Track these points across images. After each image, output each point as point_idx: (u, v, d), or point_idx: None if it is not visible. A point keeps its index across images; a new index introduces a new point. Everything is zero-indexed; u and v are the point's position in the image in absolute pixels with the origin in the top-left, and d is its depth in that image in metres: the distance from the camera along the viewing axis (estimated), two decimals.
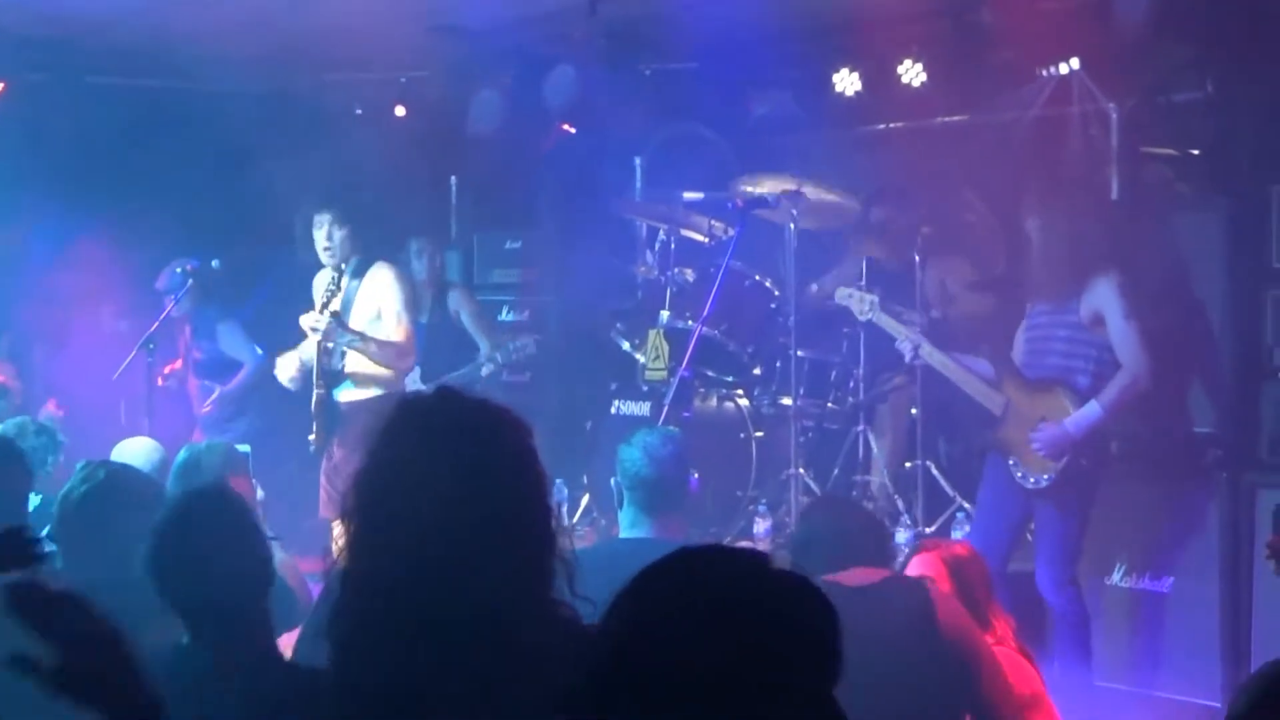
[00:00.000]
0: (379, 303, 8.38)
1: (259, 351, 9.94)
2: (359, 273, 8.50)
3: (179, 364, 10.20)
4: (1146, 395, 7.12)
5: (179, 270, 9.56)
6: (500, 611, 2.85)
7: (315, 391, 8.47)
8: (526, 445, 3.03)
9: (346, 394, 8.43)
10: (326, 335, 8.33)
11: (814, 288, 9.39)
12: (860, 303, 8.04)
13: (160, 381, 9.94)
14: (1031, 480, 7.13)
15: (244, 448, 7.00)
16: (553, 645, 2.80)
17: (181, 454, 6.01)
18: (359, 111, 11.29)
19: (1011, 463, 7.20)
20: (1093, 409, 7.01)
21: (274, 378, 8.92)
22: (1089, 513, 7.19)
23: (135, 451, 6.73)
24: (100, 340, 10.12)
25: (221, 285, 10.08)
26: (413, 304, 8.37)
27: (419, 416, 3.03)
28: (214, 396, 10.05)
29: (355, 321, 8.40)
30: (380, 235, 9.03)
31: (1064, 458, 7.03)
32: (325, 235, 8.48)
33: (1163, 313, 7.52)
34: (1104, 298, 7.09)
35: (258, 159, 9.95)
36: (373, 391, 8.39)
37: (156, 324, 9.13)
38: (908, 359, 7.80)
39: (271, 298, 10.31)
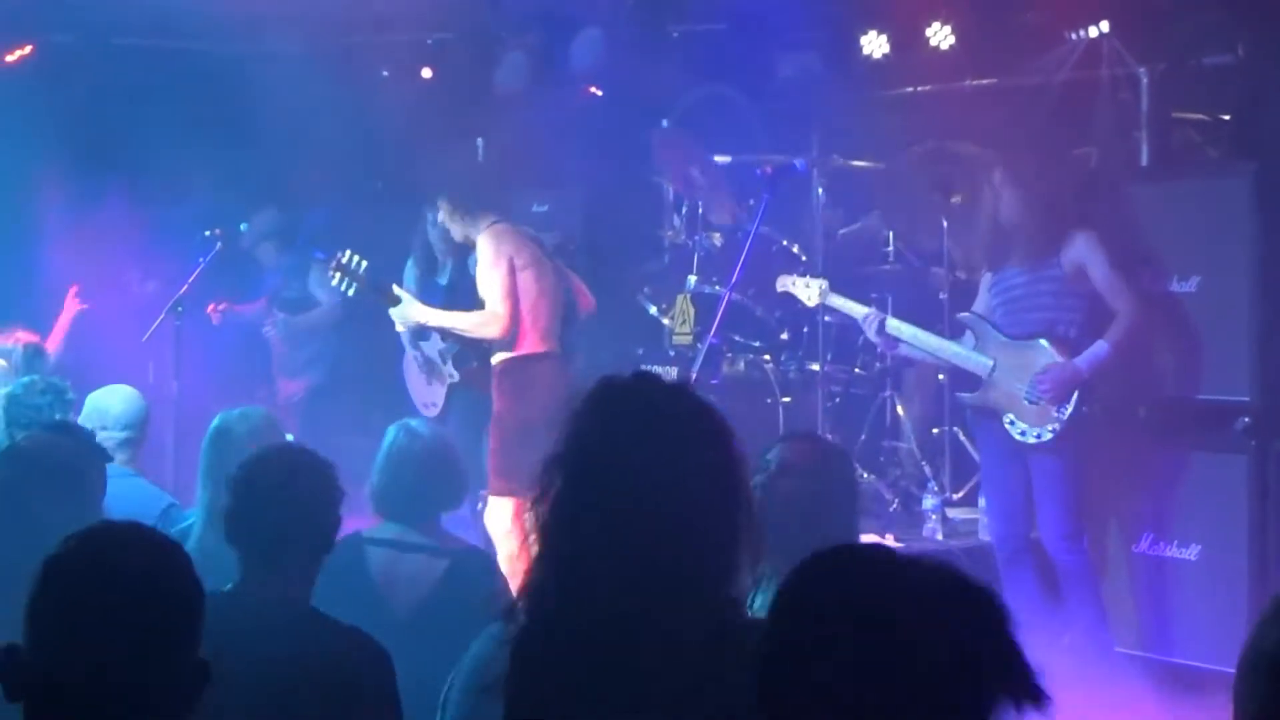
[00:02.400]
0: (478, 273, 8.22)
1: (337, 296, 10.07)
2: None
3: (246, 307, 10.39)
4: (1143, 338, 7.17)
5: (207, 234, 9.58)
6: (691, 601, 2.84)
7: (450, 374, 8.47)
8: (725, 430, 3.01)
9: (495, 357, 8.20)
10: (404, 323, 8.33)
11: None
12: (806, 289, 8.02)
13: (212, 311, 10.10)
14: (1034, 435, 7.14)
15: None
16: (727, 641, 2.78)
17: (216, 421, 6.01)
18: (386, 74, 11.28)
19: (1009, 421, 7.20)
20: (1101, 347, 7.09)
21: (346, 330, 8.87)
22: (1086, 469, 7.20)
23: (110, 399, 6.73)
24: (128, 302, 10.15)
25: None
26: (495, 262, 8.03)
27: (618, 400, 3.02)
28: (272, 321, 10.19)
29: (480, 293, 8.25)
30: (408, 199, 9.04)
31: (1066, 406, 7.04)
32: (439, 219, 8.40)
33: (1190, 278, 7.51)
34: (1084, 251, 7.18)
35: (284, 122, 9.95)
36: (506, 354, 8.14)
37: (185, 286, 9.14)
38: (872, 336, 7.74)
39: (303, 258, 10.34)
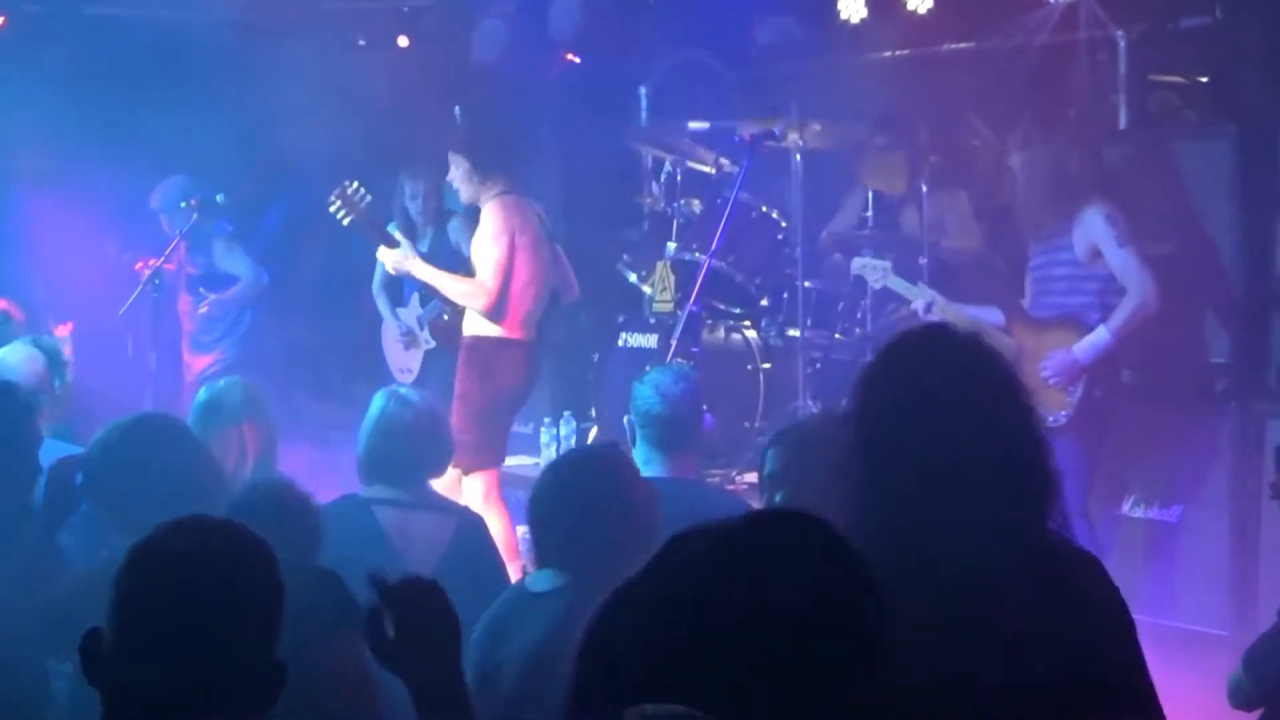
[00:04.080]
0: (476, 240, 8.15)
1: (258, 271, 9.97)
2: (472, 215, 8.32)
3: (167, 264, 10.14)
4: (1156, 319, 7.13)
5: (183, 204, 9.51)
6: (1017, 545, 2.91)
7: (440, 317, 8.46)
8: (1018, 380, 3.11)
9: (466, 326, 8.23)
10: (396, 268, 8.33)
11: (824, 235, 9.37)
12: (874, 271, 8.07)
13: (144, 272, 9.79)
14: (1050, 419, 7.13)
15: None
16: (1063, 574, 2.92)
17: (202, 393, 5.99)
18: (362, 42, 11.23)
19: None
20: (1101, 335, 7.04)
21: (264, 304, 8.85)
22: (1101, 449, 7.20)
23: (11, 363, 6.58)
24: (105, 273, 10.10)
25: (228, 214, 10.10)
26: (498, 236, 8.03)
27: (917, 354, 3.10)
28: (207, 301, 10.01)
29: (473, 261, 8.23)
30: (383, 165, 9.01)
31: (1078, 390, 7.05)
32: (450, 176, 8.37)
33: (1171, 241, 7.51)
34: (1095, 229, 7.13)
35: (260, 91, 9.90)
36: (481, 330, 8.14)
37: (162, 259, 9.07)
38: (921, 315, 7.80)
39: (278, 228, 10.30)
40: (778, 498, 4.46)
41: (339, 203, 8.37)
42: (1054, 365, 7.09)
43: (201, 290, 10.08)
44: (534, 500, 4.41)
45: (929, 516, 2.90)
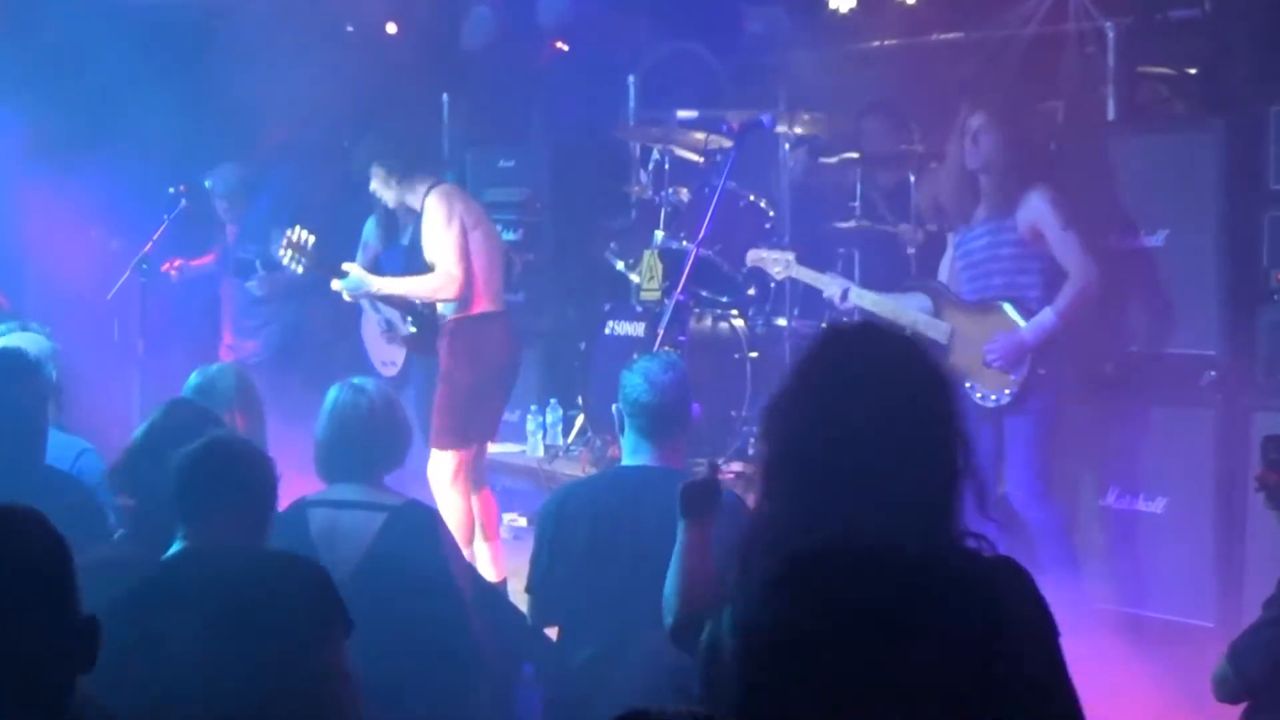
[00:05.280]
0: (426, 235, 8.21)
1: None
2: (424, 208, 8.30)
3: (201, 260, 10.28)
4: (1096, 303, 7.17)
5: (171, 190, 9.50)
6: (920, 543, 2.85)
7: (409, 330, 8.43)
8: (944, 375, 3.10)
9: (449, 311, 8.27)
10: (353, 295, 8.30)
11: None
12: (774, 264, 8.05)
13: (169, 269, 10.03)
14: (993, 398, 7.16)
15: None
16: (963, 578, 2.81)
17: (193, 378, 5.99)
18: (350, 29, 11.21)
19: (969, 386, 7.20)
20: (1047, 316, 7.05)
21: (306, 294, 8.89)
22: (1056, 422, 7.22)
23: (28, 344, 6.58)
24: (91, 260, 10.09)
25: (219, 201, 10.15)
26: (448, 222, 8.09)
27: (839, 349, 3.10)
28: (259, 280, 10.04)
29: (426, 257, 8.24)
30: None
31: (1022, 369, 7.07)
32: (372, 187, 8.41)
33: (1156, 233, 7.52)
34: (1038, 211, 7.14)
35: (249, 77, 9.87)
36: (458, 313, 8.19)
37: (150, 244, 9.07)
38: (838, 304, 7.78)
39: (266, 215, 10.27)
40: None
41: (290, 252, 8.36)
42: (999, 349, 7.10)
43: (260, 268, 10.11)
44: None
45: (821, 522, 2.88)
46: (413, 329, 8.39)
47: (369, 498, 5.54)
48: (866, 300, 7.61)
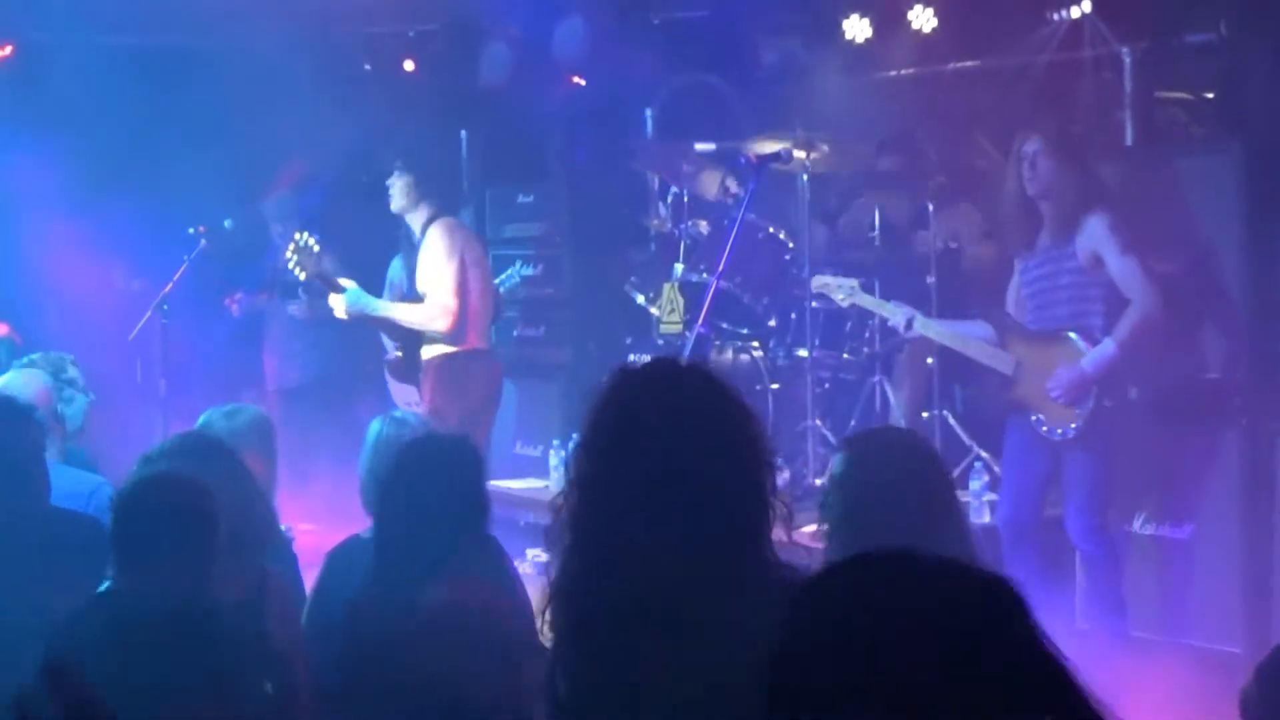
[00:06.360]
0: (424, 263, 8.25)
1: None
2: (424, 234, 8.41)
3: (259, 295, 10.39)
4: (1163, 333, 7.11)
5: (191, 231, 9.54)
6: (726, 574, 2.90)
7: (395, 354, 8.46)
8: (742, 405, 3.11)
9: (428, 350, 8.35)
10: (350, 312, 8.32)
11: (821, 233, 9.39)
12: (838, 290, 8.04)
13: (234, 308, 10.14)
14: (1059, 432, 7.09)
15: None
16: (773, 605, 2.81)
17: (201, 419, 5.98)
18: (368, 67, 11.26)
19: (1035, 419, 7.16)
20: (1108, 347, 6.97)
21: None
22: (1117, 457, 7.18)
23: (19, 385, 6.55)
24: (114, 300, 10.13)
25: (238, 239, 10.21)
26: (449, 256, 8.18)
27: (638, 387, 3.12)
28: (301, 304, 10.09)
29: (418, 285, 8.29)
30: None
31: (1088, 402, 7.01)
32: (390, 181, 8.46)
33: (1177, 257, 7.50)
34: (1097, 236, 7.06)
35: (268, 116, 9.92)
36: (446, 348, 8.28)
37: (170, 285, 9.11)
38: (902, 333, 7.77)
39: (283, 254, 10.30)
40: (839, 499, 4.40)
41: (296, 256, 8.36)
42: (1062, 383, 7.04)
43: (302, 294, 10.15)
44: None
45: (622, 552, 2.94)
46: (399, 353, 8.45)
47: None
48: (932, 330, 7.59)
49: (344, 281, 8.33)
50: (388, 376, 9.18)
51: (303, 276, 8.45)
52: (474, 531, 4.68)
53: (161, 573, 4.13)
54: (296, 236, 8.38)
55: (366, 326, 8.64)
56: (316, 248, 8.35)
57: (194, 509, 4.25)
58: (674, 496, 2.93)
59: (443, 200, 8.54)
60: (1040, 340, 7.22)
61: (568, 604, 3.04)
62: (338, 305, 8.32)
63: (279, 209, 10.43)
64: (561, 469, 9.75)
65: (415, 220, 8.38)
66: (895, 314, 7.74)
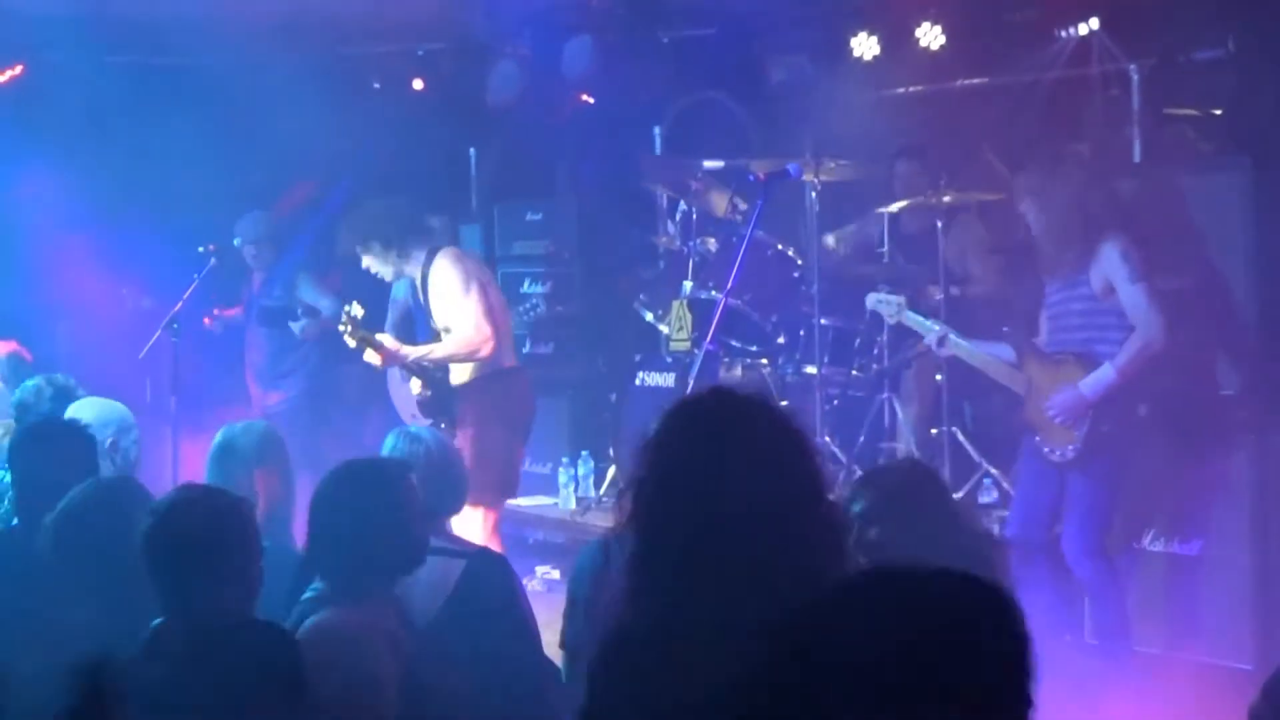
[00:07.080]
0: (441, 299, 8.20)
1: (338, 306, 10.01)
2: (426, 274, 8.25)
3: (231, 311, 10.34)
4: (1163, 356, 7.09)
5: (201, 249, 9.55)
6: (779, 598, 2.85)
7: (424, 394, 8.42)
8: (799, 434, 3.12)
9: (459, 376, 8.29)
10: (388, 364, 8.27)
11: (829, 240, 9.38)
12: (889, 306, 8.05)
13: (208, 322, 10.12)
14: (1058, 453, 7.12)
15: None
16: None
17: (218, 436, 5.97)
18: (377, 85, 11.28)
19: (1038, 439, 7.20)
20: (1106, 372, 6.98)
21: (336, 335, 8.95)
22: (1119, 483, 7.16)
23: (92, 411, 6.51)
24: (123, 319, 10.15)
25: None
26: (467, 284, 8.05)
27: (699, 417, 3.12)
28: (304, 325, 10.07)
29: (438, 321, 8.25)
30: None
31: (1085, 425, 7.02)
32: (365, 264, 8.38)
33: (1185, 274, 7.50)
34: (1110, 264, 7.04)
35: (277, 136, 9.95)
36: (481, 371, 8.18)
37: (180, 303, 9.10)
38: (934, 349, 7.79)
39: (299, 262, 10.32)
40: (872, 533, 4.45)
41: (349, 327, 8.27)
42: (1059, 404, 7.07)
43: (267, 331, 10.14)
44: None
45: (686, 596, 2.96)
46: (427, 392, 8.37)
47: (440, 544, 5.53)
48: (961, 350, 7.61)
49: (380, 337, 8.26)
50: (393, 392, 9.17)
51: (352, 344, 8.38)
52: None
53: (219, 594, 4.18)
54: (346, 308, 8.26)
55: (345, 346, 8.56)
56: (361, 314, 8.29)
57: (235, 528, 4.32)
58: (727, 530, 2.94)
59: (421, 235, 8.33)
60: (1049, 363, 7.23)
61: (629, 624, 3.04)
62: (374, 359, 8.23)
63: (252, 229, 10.22)
64: (596, 483, 9.85)
65: (414, 270, 8.22)
66: (931, 332, 7.75)
